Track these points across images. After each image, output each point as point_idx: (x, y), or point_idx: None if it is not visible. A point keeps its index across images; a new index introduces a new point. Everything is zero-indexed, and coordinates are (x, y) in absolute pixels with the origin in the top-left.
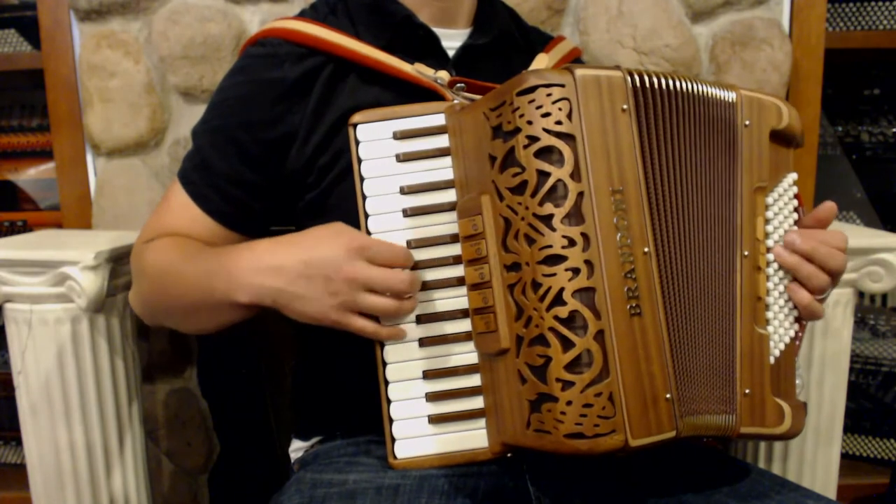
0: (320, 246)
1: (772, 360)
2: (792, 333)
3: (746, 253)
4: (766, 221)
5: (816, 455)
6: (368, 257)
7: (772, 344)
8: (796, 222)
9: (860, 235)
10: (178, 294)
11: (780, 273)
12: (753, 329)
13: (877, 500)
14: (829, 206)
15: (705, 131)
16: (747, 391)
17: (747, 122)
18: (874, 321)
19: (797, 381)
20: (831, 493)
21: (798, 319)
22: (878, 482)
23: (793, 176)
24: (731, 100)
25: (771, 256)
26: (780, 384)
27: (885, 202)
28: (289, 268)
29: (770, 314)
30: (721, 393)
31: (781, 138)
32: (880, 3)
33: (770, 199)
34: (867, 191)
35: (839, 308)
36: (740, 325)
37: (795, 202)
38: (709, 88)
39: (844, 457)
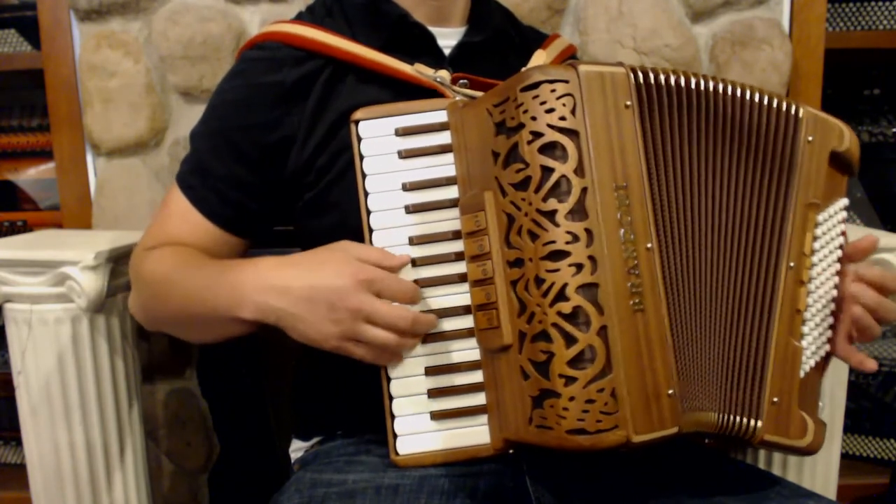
0: (328, 271)
1: (802, 374)
2: (823, 353)
3: (792, 264)
4: (815, 238)
5: (816, 455)
6: (376, 291)
7: (804, 358)
8: (840, 247)
9: (860, 235)
10: (179, 305)
11: (822, 290)
12: (789, 340)
13: (877, 500)
14: (872, 239)
15: (733, 134)
16: (775, 399)
17: (810, 139)
18: None
19: (819, 403)
20: (831, 493)
21: (829, 341)
22: (878, 482)
23: (844, 201)
24: (795, 113)
25: (814, 273)
26: (805, 399)
27: (885, 202)
28: (294, 290)
29: (806, 329)
30: (743, 395)
31: (839, 162)
32: (880, 3)
33: (820, 218)
34: (867, 191)
35: None
36: (776, 334)
37: (843, 227)
38: (748, 93)
39: (844, 457)
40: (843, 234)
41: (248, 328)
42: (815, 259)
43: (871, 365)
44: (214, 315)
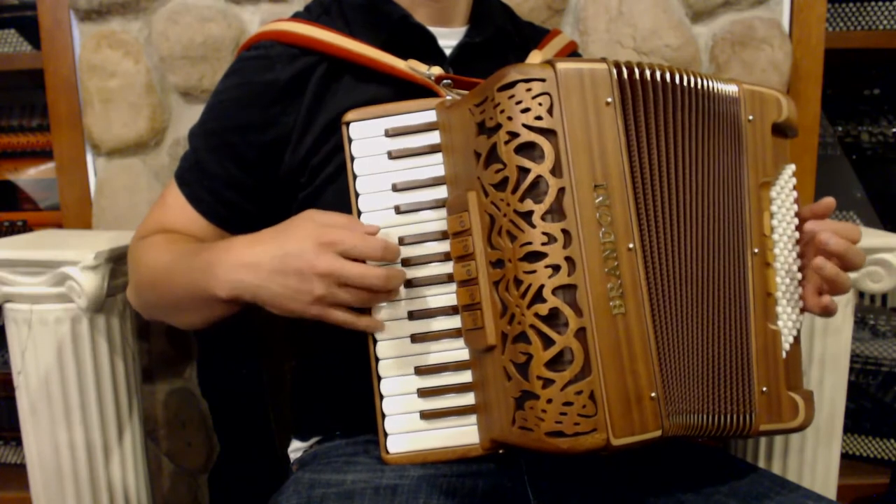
0: (292, 239)
1: (783, 354)
2: (799, 325)
3: (756, 250)
4: (771, 216)
5: (816, 455)
6: (342, 252)
7: (782, 338)
8: (796, 214)
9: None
10: (165, 290)
11: (787, 267)
12: (766, 326)
13: (877, 500)
14: (828, 201)
15: (707, 126)
16: (764, 389)
17: (751, 117)
18: (874, 321)
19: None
20: (831, 493)
21: (802, 311)
22: (878, 482)
23: (791, 167)
24: (734, 94)
25: (777, 251)
26: (790, 378)
27: (885, 202)
28: (264, 264)
29: (779, 309)
30: (733, 393)
31: (780, 130)
32: (880, 3)
33: (773, 193)
34: (867, 191)
35: (839, 308)
36: (754, 324)
37: (795, 194)
38: (712, 83)
39: (844, 457)
40: (796, 200)
41: (232, 307)
42: (775, 237)
43: (833, 307)
44: (195, 296)
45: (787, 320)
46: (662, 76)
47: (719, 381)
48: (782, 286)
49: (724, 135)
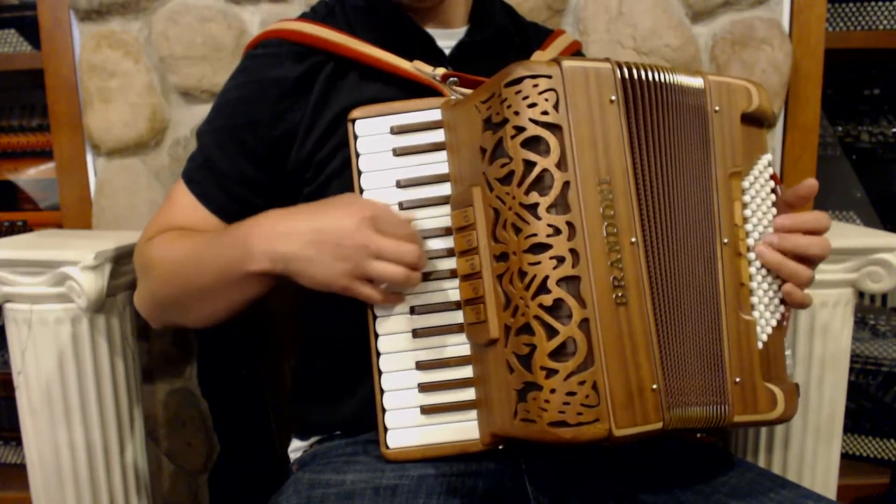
0: (332, 214)
1: (760, 345)
2: (778, 316)
3: (726, 240)
4: (744, 206)
5: (816, 455)
6: (379, 228)
7: (759, 329)
8: (774, 203)
9: (860, 235)
10: (190, 277)
11: None
12: (739, 316)
13: (877, 500)
14: (810, 183)
15: (685, 120)
16: (738, 379)
17: (717, 108)
18: (874, 321)
19: (788, 361)
20: (831, 493)
21: (783, 302)
22: (878, 482)
23: (767, 157)
24: (699, 86)
25: (751, 241)
26: (770, 369)
27: (885, 202)
28: (300, 233)
29: (755, 299)
30: (711, 383)
31: (753, 120)
32: (880, 3)
33: (746, 183)
34: (867, 191)
35: (839, 308)
36: (725, 314)
37: (772, 183)
38: (682, 77)
39: (844, 457)
40: (775, 188)
41: (261, 286)
42: (748, 227)
43: (805, 299)
44: (225, 276)
45: (763, 311)
46: (655, 76)
47: (704, 373)
48: (758, 276)
49: (694, 127)
